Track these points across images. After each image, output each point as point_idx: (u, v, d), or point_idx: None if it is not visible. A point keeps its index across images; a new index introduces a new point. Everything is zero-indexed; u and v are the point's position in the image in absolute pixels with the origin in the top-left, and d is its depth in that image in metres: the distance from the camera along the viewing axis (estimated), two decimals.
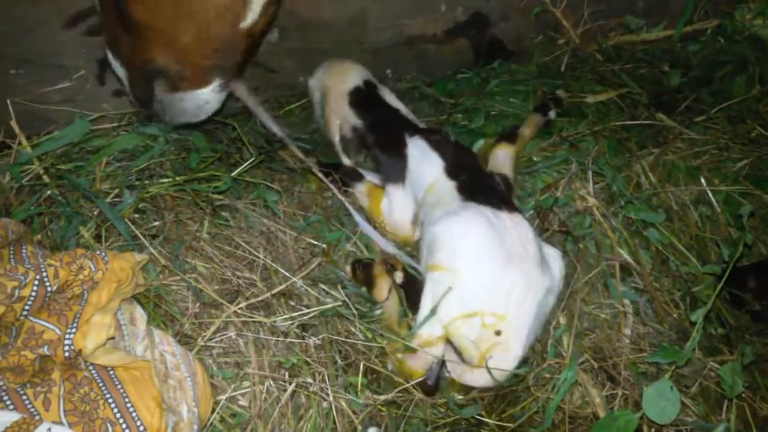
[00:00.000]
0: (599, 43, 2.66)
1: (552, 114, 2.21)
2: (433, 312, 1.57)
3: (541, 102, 2.24)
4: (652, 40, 2.73)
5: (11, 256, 1.34)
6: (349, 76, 2.10)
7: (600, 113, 2.27)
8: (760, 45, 2.50)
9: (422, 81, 2.44)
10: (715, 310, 1.80)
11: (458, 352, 1.61)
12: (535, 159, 2.11)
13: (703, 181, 1.98)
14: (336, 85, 2.09)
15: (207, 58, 1.56)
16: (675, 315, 1.76)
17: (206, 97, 1.67)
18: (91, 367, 1.27)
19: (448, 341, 1.61)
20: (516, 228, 1.62)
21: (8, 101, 1.89)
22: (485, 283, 1.55)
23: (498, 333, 1.55)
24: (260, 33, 1.66)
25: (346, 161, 2.04)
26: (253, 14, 1.53)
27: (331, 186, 1.91)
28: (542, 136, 2.18)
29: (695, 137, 2.12)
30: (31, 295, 1.28)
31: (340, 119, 2.05)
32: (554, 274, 1.65)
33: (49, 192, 1.70)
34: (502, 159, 2.02)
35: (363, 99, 2.05)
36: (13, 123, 1.82)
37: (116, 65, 1.67)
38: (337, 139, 2.05)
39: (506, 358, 1.57)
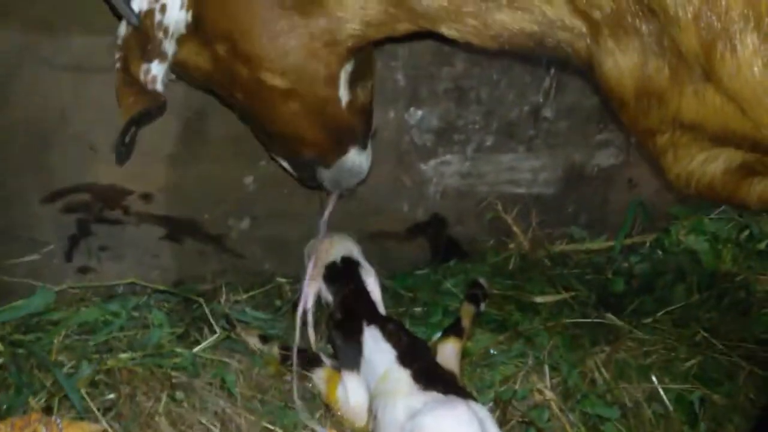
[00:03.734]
0: (547, 249, 2.83)
1: (483, 307, 2.30)
2: None
3: (471, 292, 2.33)
4: (595, 249, 2.92)
5: None
6: (333, 248, 2.16)
7: (552, 311, 2.36)
8: (696, 257, 2.70)
9: (383, 275, 2.53)
10: None
11: None
12: (492, 352, 2.16)
13: (654, 379, 2.04)
14: (320, 254, 2.14)
15: (332, 141, 1.93)
16: None
17: (351, 159, 2.00)
18: None
19: None
20: (489, 420, 1.62)
21: None
22: None
23: None
24: (366, 102, 1.95)
25: (311, 333, 2.06)
26: (344, 97, 1.83)
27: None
28: (498, 330, 2.25)
29: (644, 337, 2.21)
30: None
31: (315, 290, 2.09)
32: None
33: (2, 360, 1.66)
34: (449, 354, 2.03)
35: (337, 275, 2.10)
36: None
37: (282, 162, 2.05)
38: (309, 307, 2.07)
39: None
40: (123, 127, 1.62)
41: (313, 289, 2.11)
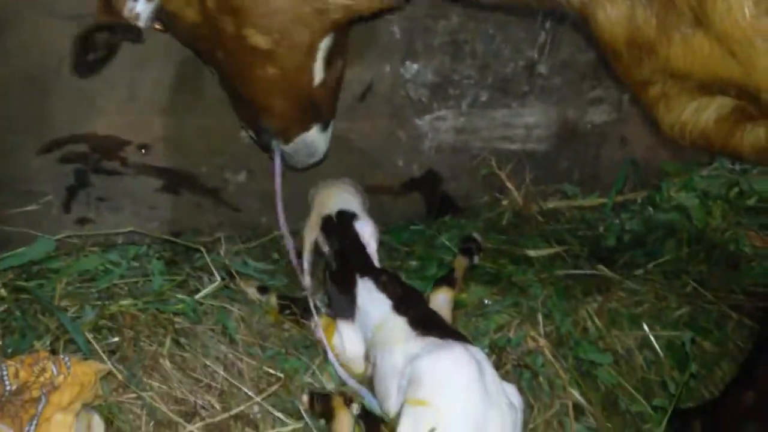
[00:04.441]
0: (540, 205, 2.86)
1: (476, 259, 2.33)
2: None
3: (465, 246, 2.36)
4: (588, 206, 2.95)
5: None
6: (330, 200, 2.17)
7: (545, 264, 2.40)
8: (686, 213, 2.74)
9: (378, 230, 2.55)
10: None
11: None
12: (486, 302, 2.19)
13: (645, 327, 2.09)
14: (318, 205, 2.17)
15: (298, 114, 1.94)
16: None
17: (312, 137, 2.03)
18: None
19: None
20: (486, 362, 1.65)
21: None
22: (469, 421, 1.53)
23: None
24: (334, 82, 1.98)
25: (307, 282, 2.07)
26: (318, 74, 1.85)
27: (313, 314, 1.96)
28: (492, 282, 2.28)
29: (635, 288, 2.26)
30: None
31: (314, 239, 2.11)
32: (518, 408, 1.66)
33: (5, 306, 1.68)
34: (441, 302, 2.06)
35: (333, 228, 2.11)
36: None
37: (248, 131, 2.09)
38: (307, 255, 2.10)
39: None
40: (84, 30, 1.64)
41: (310, 239, 2.12)
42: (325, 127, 2.06)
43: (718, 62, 1.41)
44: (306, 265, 2.09)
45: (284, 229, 2.06)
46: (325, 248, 2.11)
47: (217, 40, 1.75)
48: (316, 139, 2.05)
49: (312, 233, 2.12)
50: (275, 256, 2.34)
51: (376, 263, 2.12)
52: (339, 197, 2.20)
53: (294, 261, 2.04)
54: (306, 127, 2.00)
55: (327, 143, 2.12)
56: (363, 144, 2.45)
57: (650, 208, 2.86)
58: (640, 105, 1.78)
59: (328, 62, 1.86)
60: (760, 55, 1.33)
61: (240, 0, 1.64)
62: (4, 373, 1.25)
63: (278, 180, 2.08)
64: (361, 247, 2.11)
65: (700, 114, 1.67)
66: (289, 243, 2.09)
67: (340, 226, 2.13)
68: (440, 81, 2.45)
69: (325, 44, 1.79)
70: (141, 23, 1.69)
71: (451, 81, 2.47)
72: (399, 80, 2.39)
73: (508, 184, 2.83)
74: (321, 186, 2.25)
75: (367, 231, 2.16)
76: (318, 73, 1.85)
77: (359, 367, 1.92)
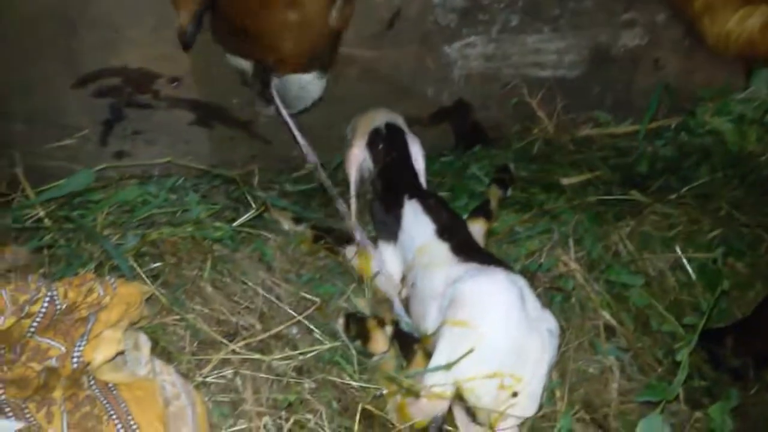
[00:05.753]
0: (571, 133, 2.83)
1: (509, 191, 2.33)
2: (448, 367, 1.55)
3: (499, 176, 2.36)
4: (620, 133, 2.92)
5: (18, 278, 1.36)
6: (376, 117, 2.16)
7: (576, 191, 2.39)
8: (721, 138, 2.69)
9: None
10: (696, 367, 1.86)
11: (470, 411, 1.60)
12: (517, 230, 2.21)
13: (677, 249, 2.09)
14: (362, 124, 2.15)
15: (304, 57, 1.95)
16: (659, 370, 1.81)
17: (307, 80, 2.02)
18: (94, 387, 1.26)
19: (458, 398, 1.59)
20: (527, 289, 1.68)
21: (14, 153, 1.96)
22: (508, 344, 1.56)
23: (515, 395, 1.55)
24: (339, 30, 1.98)
25: (353, 213, 2.07)
26: (332, 19, 1.86)
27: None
28: (524, 210, 2.29)
29: (668, 211, 2.25)
30: (40, 311, 1.28)
31: (360, 160, 2.10)
32: (556, 335, 1.68)
33: (50, 234, 1.73)
34: (476, 233, 2.07)
35: (380, 141, 2.10)
36: (18, 170, 1.87)
37: (240, 62, 2.02)
38: (353, 180, 2.10)
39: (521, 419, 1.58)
40: (191, 18, 1.75)
41: (355, 160, 2.11)
42: (323, 74, 2.05)
43: None
44: (352, 190, 2.09)
45: (306, 148, 2.06)
46: (371, 164, 2.10)
47: None
48: (311, 82, 2.04)
49: (356, 158, 2.10)
50: (310, 186, 2.36)
51: (424, 182, 2.13)
52: (386, 114, 2.19)
53: (323, 177, 2.06)
54: (306, 69, 1.99)
55: (320, 92, 2.10)
56: (391, 72, 2.43)
57: (684, 134, 2.81)
58: (684, 20, 1.75)
59: (342, 5, 1.86)
60: None
61: None
62: (55, 293, 1.31)
63: (284, 112, 2.07)
64: (409, 164, 2.10)
65: (745, 22, 1.66)
66: (312, 158, 2.09)
67: (388, 138, 2.12)
68: (469, 5, 2.39)
69: None
70: None
71: (480, 5, 2.41)
72: (428, 5, 2.35)
73: (539, 113, 2.79)
74: (362, 113, 2.22)
75: (415, 147, 2.15)
76: (333, 15, 1.85)
77: (394, 290, 1.95)
